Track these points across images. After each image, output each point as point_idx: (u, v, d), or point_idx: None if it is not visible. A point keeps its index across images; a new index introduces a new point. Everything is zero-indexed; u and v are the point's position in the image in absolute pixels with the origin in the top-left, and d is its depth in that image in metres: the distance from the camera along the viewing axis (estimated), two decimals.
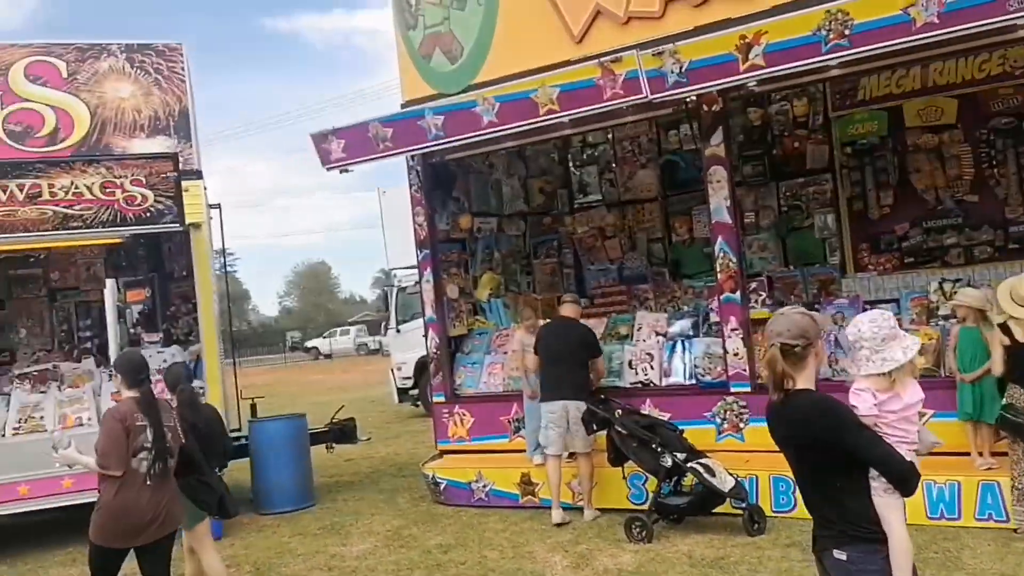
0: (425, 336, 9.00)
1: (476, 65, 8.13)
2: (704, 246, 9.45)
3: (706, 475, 6.34)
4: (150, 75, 8.53)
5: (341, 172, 7.86)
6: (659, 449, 6.48)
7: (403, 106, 8.47)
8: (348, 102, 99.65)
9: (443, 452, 8.78)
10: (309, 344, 51.87)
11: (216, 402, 8.52)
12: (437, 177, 8.91)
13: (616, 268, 9.94)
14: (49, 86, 8.24)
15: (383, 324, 49.97)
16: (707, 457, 6.58)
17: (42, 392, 8.35)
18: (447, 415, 8.69)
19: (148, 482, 4.46)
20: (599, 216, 10.13)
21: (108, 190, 7.30)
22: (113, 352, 9.38)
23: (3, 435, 7.72)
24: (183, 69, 8.63)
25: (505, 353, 8.73)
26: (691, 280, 8.97)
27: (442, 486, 8.29)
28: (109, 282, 9.78)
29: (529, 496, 7.81)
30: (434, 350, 8.84)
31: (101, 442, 4.45)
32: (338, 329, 51.93)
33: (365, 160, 7.70)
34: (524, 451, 7.98)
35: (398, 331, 16.37)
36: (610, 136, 10.10)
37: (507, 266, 9.96)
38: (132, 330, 11.58)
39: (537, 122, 6.71)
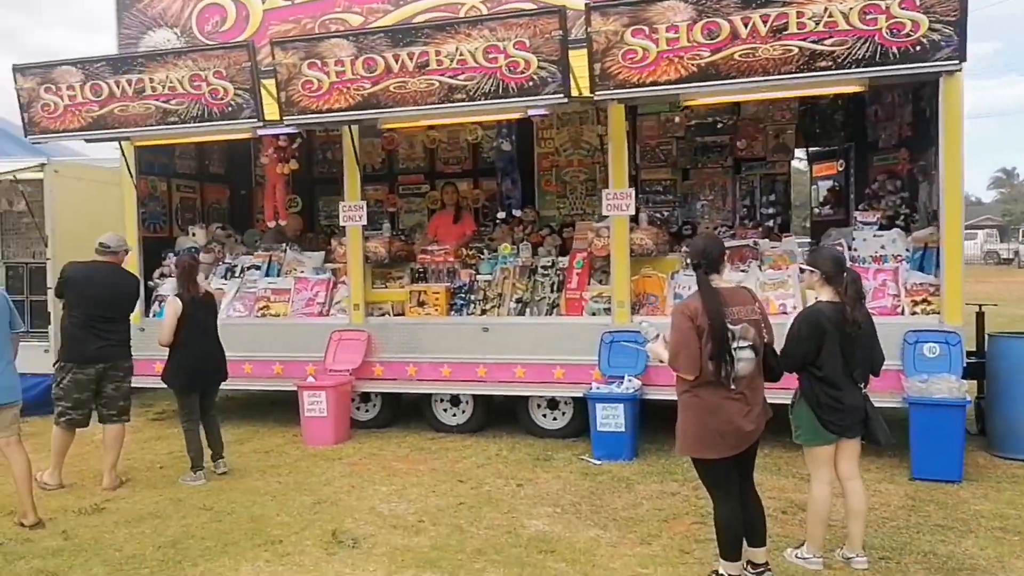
0: None
1: None
2: None
3: None
4: None
5: None
6: None
7: None
8: None
9: None
10: None
11: (959, 305, 6.49)
12: None
13: None
14: None
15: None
16: None
17: (743, 271, 7.33)
18: None
19: (731, 386, 3.76)
20: None
21: (869, 15, 5.58)
22: None
23: None
24: None
25: None
26: None
27: None
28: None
29: None
30: None
31: (671, 339, 3.94)
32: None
33: None
34: None
35: None
36: None
37: None
38: (816, 209, 10.16)
39: None
